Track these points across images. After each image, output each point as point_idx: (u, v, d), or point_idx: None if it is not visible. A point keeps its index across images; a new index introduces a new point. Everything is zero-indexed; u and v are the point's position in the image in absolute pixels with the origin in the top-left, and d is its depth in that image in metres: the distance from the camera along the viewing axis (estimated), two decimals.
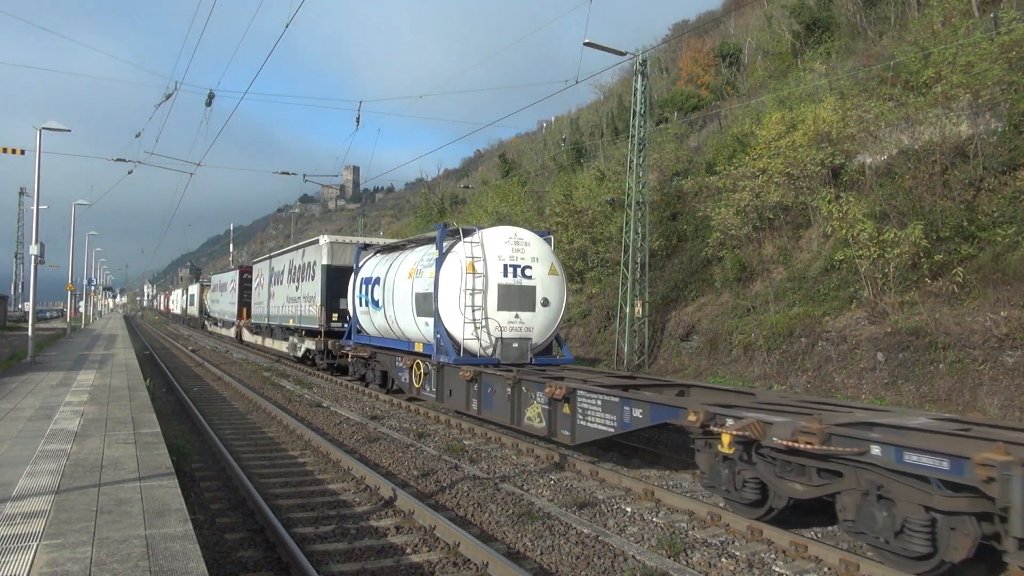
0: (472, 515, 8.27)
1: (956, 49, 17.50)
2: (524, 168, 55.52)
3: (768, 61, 38.03)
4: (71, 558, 4.64)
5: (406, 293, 15.41)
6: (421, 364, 14.99)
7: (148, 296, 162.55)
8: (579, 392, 10.06)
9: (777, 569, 6.73)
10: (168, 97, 19.67)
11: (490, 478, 9.87)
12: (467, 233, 13.91)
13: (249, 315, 35.25)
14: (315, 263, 23.13)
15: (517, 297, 13.90)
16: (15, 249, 74.83)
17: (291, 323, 25.91)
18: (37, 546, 4.89)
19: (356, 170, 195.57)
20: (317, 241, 23.65)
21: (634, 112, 22.86)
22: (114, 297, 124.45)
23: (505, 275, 13.83)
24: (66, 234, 42.24)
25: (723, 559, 6.94)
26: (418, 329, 15.11)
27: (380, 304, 16.92)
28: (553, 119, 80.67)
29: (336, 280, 21.75)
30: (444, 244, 14.10)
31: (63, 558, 4.65)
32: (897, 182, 18.56)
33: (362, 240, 21.80)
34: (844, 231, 17.39)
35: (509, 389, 11.79)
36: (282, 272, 27.99)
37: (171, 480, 6.81)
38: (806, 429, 6.67)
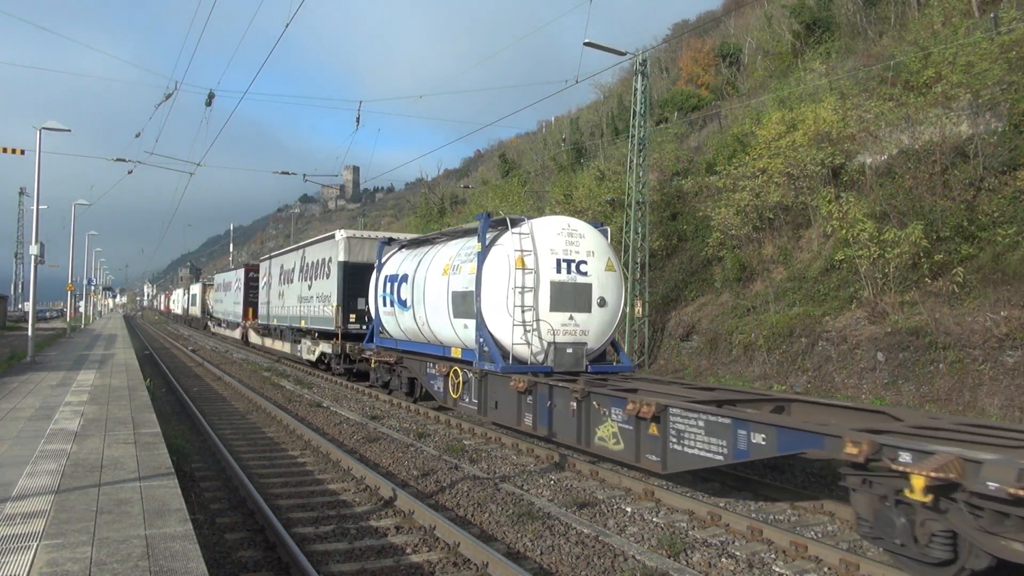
0: (472, 515, 8.27)
1: (956, 49, 17.51)
2: (524, 168, 55.52)
3: (768, 61, 38.02)
4: (71, 558, 4.64)
5: (440, 292, 13.93)
6: (459, 371, 13.57)
7: (148, 296, 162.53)
8: (673, 410, 8.46)
9: (777, 569, 6.73)
10: (168, 97, 19.69)
11: (490, 478, 9.87)
12: (515, 223, 12.33)
13: (255, 316, 34.26)
14: (330, 260, 21.81)
15: (571, 296, 12.33)
16: (15, 249, 74.85)
17: (302, 324, 24.64)
18: (37, 546, 4.89)
19: (356, 170, 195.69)
20: (333, 236, 22.08)
21: (634, 112, 22.86)
22: (114, 297, 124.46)
23: (558, 271, 12.21)
24: (66, 234, 42.29)
25: (723, 559, 6.93)
26: (454, 332, 13.66)
27: (408, 304, 15.47)
28: (553, 119, 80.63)
29: (354, 278, 20.52)
30: (487, 236, 12.55)
31: (63, 558, 4.65)
32: (897, 182, 18.57)
33: (385, 234, 19.99)
34: (844, 231, 17.40)
35: (574, 403, 10.18)
36: (292, 270, 26.70)
37: (171, 480, 6.81)
38: None
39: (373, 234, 21.72)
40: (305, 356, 24.90)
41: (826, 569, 6.70)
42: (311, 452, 11.63)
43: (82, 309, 60.67)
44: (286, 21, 12.96)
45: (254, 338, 35.04)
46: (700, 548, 7.22)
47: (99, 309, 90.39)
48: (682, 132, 36.79)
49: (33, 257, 22.27)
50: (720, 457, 7.77)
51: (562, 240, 12.38)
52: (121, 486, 6.54)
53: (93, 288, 68.33)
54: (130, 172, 28.39)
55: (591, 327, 12.54)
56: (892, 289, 16.77)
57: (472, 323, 12.68)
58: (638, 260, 22.59)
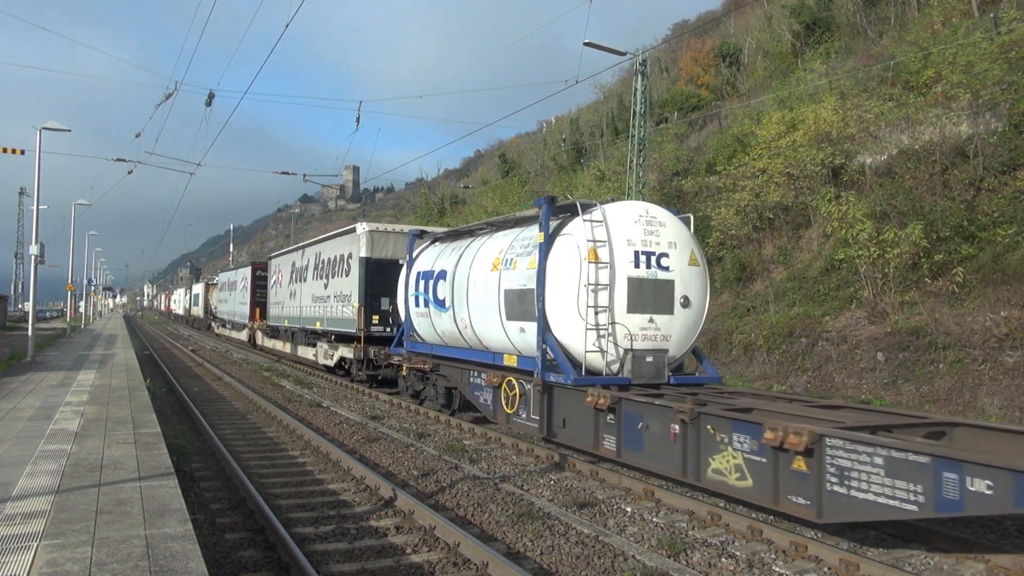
0: (472, 515, 8.27)
1: (956, 49, 17.52)
2: (524, 168, 55.59)
3: (768, 61, 38.07)
4: (71, 558, 4.64)
5: (489, 290, 12.04)
6: (515, 382, 11.62)
7: (148, 296, 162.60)
8: (830, 441, 6.60)
9: (777, 569, 6.72)
10: (168, 97, 19.73)
11: (490, 478, 9.87)
12: (585, 208, 10.49)
13: (264, 316, 32.09)
14: (350, 256, 20.06)
15: (651, 295, 10.50)
16: (15, 249, 75.01)
17: (318, 326, 22.84)
18: (37, 546, 4.89)
19: (356, 170, 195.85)
20: (354, 230, 20.23)
21: (634, 112, 22.88)
22: (114, 297, 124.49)
23: (636, 265, 10.39)
24: (66, 234, 42.29)
25: (723, 559, 6.93)
26: (506, 336, 11.82)
27: (446, 304, 13.62)
28: (553, 119, 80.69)
29: (377, 275, 18.89)
30: (550, 224, 10.79)
31: (63, 558, 4.65)
32: (897, 182, 18.58)
33: (415, 228, 18.00)
34: (844, 231, 17.41)
35: (677, 426, 8.40)
36: (306, 267, 24.85)
37: (171, 480, 6.81)
38: None
39: (399, 227, 20.30)
40: (322, 361, 22.93)
41: (826, 569, 6.70)
42: (311, 452, 11.63)
43: (82, 309, 60.71)
44: (286, 21, 12.99)
45: (263, 340, 32.94)
46: (700, 548, 7.22)
47: (99, 309, 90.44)
48: (682, 132, 36.81)
49: (33, 257, 22.28)
50: (913, 507, 5.97)
51: (640, 229, 10.58)
52: (121, 486, 6.54)
53: (93, 288, 68.38)
54: (130, 172, 28.47)
55: (673, 331, 10.75)
56: (892, 289, 16.78)
57: (531, 326, 10.90)
58: None
